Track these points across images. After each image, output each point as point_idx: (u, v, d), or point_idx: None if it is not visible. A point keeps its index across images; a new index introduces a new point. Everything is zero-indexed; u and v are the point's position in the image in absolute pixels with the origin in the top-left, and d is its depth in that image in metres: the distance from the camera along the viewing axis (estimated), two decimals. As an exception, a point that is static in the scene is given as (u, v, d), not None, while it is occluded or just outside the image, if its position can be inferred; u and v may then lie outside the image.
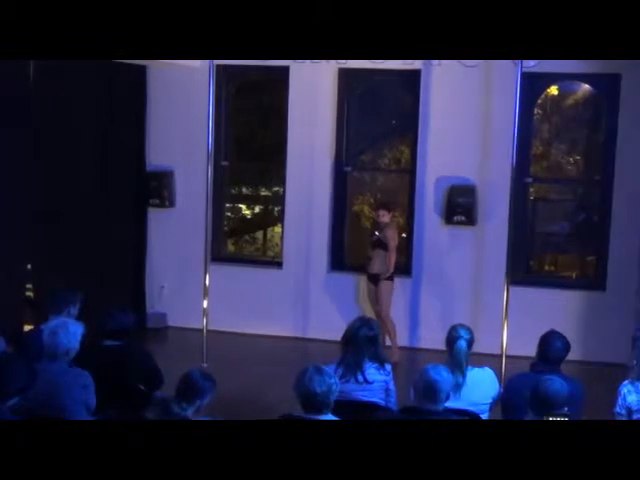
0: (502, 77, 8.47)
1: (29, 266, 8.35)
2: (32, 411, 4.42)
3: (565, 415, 4.24)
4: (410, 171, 9.42)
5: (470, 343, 5.20)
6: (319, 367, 4.39)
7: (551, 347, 5.13)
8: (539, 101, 9.28)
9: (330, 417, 4.29)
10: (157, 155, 9.77)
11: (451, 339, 5.20)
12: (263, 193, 10.91)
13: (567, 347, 5.17)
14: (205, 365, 7.77)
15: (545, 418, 4.21)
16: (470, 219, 8.90)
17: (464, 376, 5.08)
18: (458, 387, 4.98)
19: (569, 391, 4.44)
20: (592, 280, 9.17)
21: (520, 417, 4.46)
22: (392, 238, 8.56)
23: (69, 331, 4.95)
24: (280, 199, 9.91)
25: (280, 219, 9.95)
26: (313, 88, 9.30)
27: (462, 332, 5.20)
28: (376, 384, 5.26)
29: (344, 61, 8.68)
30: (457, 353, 5.12)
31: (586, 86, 9.21)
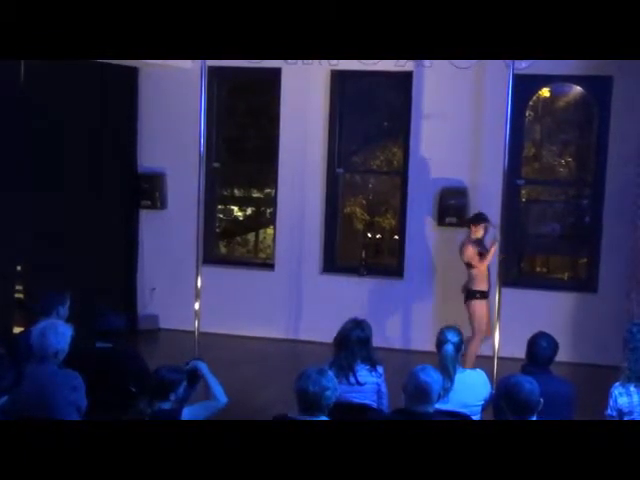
0: (494, 79, 8.48)
1: (19, 268, 8.32)
2: (22, 412, 4.40)
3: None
4: (402, 173, 9.43)
5: (458, 346, 5.17)
6: (321, 369, 4.36)
7: (539, 348, 5.14)
8: (531, 103, 9.30)
9: (323, 419, 4.27)
10: (149, 157, 9.75)
11: (439, 343, 5.18)
12: (255, 195, 10.90)
13: (555, 347, 5.18)
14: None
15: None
16: (462, 221, 8.89)
17: (452, 381, 5.06)
18: (446, 391, 4.96)
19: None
20: (583, 282, 9.19)
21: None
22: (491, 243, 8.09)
23: (58, 332, 4.92)
24: (272, 201, 9.90)
25: (272, 221, 9.93)
26: (305, 89, 9.30)
27: (450, 335, 5.16)
28: (368, 386, 5.26)
29: (336, 62, 8.67)
30: (444, 358, 5.11)
31: (578, 88, 9.23)
